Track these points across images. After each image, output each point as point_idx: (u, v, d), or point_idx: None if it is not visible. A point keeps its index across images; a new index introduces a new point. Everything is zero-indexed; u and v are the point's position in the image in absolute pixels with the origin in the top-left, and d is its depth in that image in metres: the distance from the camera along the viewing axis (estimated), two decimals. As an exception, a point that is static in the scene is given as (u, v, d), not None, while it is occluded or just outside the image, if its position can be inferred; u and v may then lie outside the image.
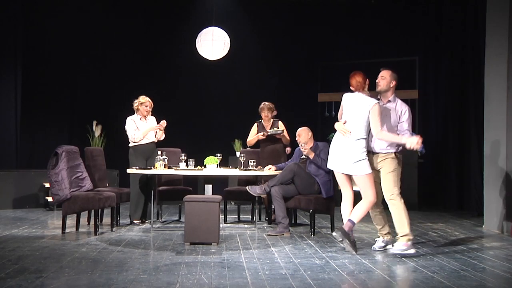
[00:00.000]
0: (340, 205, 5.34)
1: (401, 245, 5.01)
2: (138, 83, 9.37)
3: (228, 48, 8.76)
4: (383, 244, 5.34)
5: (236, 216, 7.87)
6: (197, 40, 8.75)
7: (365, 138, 5.14)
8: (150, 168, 6.41)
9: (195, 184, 7.25)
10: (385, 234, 5.36)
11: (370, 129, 5.15)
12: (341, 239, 5.09)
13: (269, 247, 5.46)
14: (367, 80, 5.30)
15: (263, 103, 7.39)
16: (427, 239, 6.01)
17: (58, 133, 10.14)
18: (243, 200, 7.49)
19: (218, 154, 6.60)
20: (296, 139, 6.61)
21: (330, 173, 6.25)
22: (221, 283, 3.97)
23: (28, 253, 4.98)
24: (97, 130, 9.09)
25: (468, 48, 8.78)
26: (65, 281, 3.99)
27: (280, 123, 7.39)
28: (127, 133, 6.95)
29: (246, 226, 7.07)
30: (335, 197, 6.50)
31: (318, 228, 6.67)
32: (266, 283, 3.99)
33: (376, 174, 5.23)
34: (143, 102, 6.98)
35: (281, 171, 6.43)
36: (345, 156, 5.16)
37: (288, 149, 7.49)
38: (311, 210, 6.22)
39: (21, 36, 9.80)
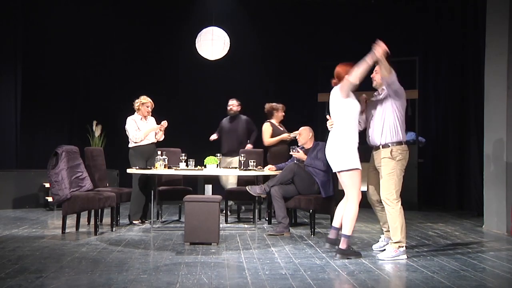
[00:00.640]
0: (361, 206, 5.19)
1: (391, 251, 4.88)
2: (138, 83, 9.37)
3: (228, 48, 8.75)
4: (383, 244, 5.27)
5: (236, 216, 7.87)
6: (197, 40, 8.74)
7: (348, 131, 4.88)
8: (151, 168, 6.42)
9: (195, 184, 7.23)
10: (386, 231, 5.22)
11: (363, 124, 5.10)
12: (340, 259, 4.84)
13: (269, 247, 5.46)
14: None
15: (274, 104, 7.46)
16: (427, 239, 6.01)
17: (58, 133, 10.13)
18: (243, 200, 7.49)
19: (218, 154, 6.61)
20: (297, 137, 6.61)
21: (329, 173, 6.25)
22: (221, 283, 3.97)
23: (28, 253, 4.98)
24: (97, 130, 9.09)
25: (468, 48, 8.78)
26: (65, 281, 3.99)
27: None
28: (127, 133, 6.94)
29: (246, 226, 7.07)
30: (335, 197, 6.50)
31: (318, 228, 6.67)
32: (266, 283, 3.99)
33: (374, 172, 5.11)
34: (145, 102, 6.98)
35: (281, 171, 6.43)
36: (331, 153, 4.98)
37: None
38: (311, 210, 6.22)
39: (21, 36, 9.80)
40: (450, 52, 9.28)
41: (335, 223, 5.04)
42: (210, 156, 6.37)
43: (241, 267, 4.51)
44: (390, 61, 4.98)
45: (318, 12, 10.26)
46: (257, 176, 6.76)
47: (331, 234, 5.06)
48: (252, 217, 7.42)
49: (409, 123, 9.03)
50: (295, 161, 6.56)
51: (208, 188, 6.45)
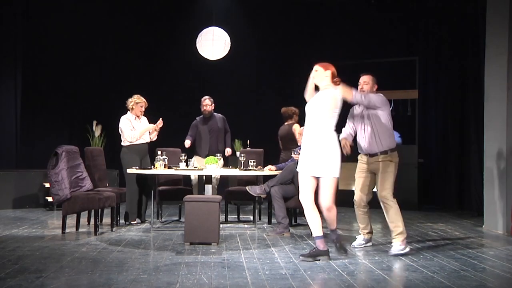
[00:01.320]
0: (340, 205, 5.33)
1: (398, 245, 5.13)
2: (139, 83, 9.37)
3: (228, 48, 8.75)
4: (363, 242, 5.50)
5: (236, 216, 7.87)
6: (197, 40, 8.74)
7: (335, 136, 4.79)
8: (150, 168, 6.42)
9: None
10: (367, 233, 5.52)
11: (354, 131, 5.25)
12: (307, 259, 4.77)
13: (269, 247, 5.46)
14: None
15: (294, 107, 7.55)
16: (427, 239, 6.01)
17: (58, 133, 10.12)
18: (243, 200, 7.49)
19: (218, 154, 6.61)
20: (297, 137, 6.62)
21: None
22: (221, 283, 3.97)
23: (28, 253, 4.98)
24: (97, 130, 9.09)
25: (468, 48, 8.78)
26: (65, 281, 3.99)
27: None
28: (122, 132, 6.92)
29: (246, 226, 7.07)
30: (335, 197, 6.50)
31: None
32: (266, 283, 3.99)
33: (366, 176, 5.35)
34: (139, 102, 6.96)
35: (281, 171, 6.44)
36: (323, 158, 4.73)
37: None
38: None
39: (21, 36, 9.80)
40: (450, 52, 9.28)
41: (330, 226, 4.90)
42: (210, 156, 6.38)
43: (241, 267, 4.51)
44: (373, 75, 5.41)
45: (319, 12, 10.27)
46: (257, 176, 6.75)
47: (332, 236, 4.96)
48: (252, 217, 7.42)
49: (409, 123, 9.08)
50: (296, 162, 6.56)
51: (208, 188, 6.44)
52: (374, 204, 5.60)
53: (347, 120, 5.56)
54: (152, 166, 6.41)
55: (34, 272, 4.21)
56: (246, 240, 5.89)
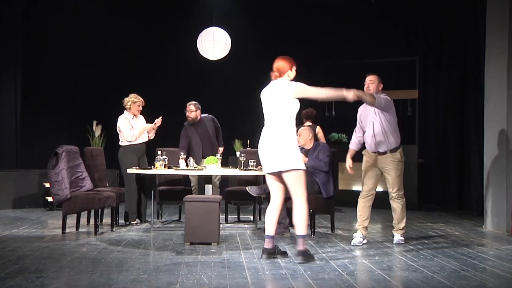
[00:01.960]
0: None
1: (401, 236, 5.69)
2: (139, 83, 9.37)
3: (229, 48, 8.75)
4: (361, 239, 5.60)
5: (236, 216, 7.87)
6: (198, 40, 8.74)
7: (293, 130, 4.75)
8: (149, 168, 6.42)
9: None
10: (363, 227, 5.64)
11: (359, 128, 5.50)
12: (304, 261, 4.65)
13: (269, 247, 5.46)
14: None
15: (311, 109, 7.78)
16: (427, 239, 6.01)
17: (58, 133, 10.12)
18: (243, 200, 7.49)
19: (218, 155, 6.60)
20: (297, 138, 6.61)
21: (330, 173, 6.26)
22: (221, 283, 3.97)
23: (28, 253, 4.98)
24: (97, 130, 9.08)
25: (468, 48, 8.78)
26: (65, 281, 3.99)
27: None
28: (120, 131, 6.91)
29: (246, 226, 7.07)
30: (336, 197, 6.51)
31: (318, 228, 6.67)
32: (266, 283, 3.99)
33: (374, 169, 5.59)
34: (136, 101, 6.95)
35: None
36: (277, 152, 4.66)
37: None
38: (311, 210, 6.21)
39: (21, 36, 9.80)
40: (450, 52, 9.28)
41: (269, 231, 4.78)
42: (210, 156, 6.38)
43: (241, 267, 4.51)
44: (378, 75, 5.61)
45: (319, 12, 10.26)
46: (257, 176, 6.75)
47: (268, 244, 4.80)
48: (252, 217, 7.42)
49: (409, 123, 9.08)
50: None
51: (208, 188, 6.44)
52: (374, 204, 5.69)
53: (357, 122, 5.77)
54: (152, 166, 6.41)
55: (34, 272, 4.21)
56: (246, 240, 5.89)
